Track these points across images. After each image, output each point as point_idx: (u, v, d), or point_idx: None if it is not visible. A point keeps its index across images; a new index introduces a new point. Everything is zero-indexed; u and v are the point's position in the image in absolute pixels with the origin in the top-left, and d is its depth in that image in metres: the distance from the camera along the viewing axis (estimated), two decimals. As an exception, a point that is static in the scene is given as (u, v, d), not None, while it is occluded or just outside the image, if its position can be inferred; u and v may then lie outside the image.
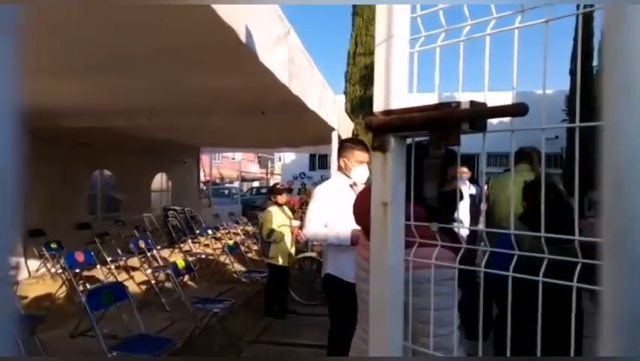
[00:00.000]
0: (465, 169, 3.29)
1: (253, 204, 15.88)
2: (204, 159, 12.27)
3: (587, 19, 8.64)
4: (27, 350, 2.45)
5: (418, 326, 0.84)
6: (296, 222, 4.27)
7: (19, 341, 2.06)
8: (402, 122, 0.75)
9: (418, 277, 0.81)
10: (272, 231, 3.88)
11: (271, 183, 28.16)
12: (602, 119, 0.42)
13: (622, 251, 0.39)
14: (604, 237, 0.41)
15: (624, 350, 0.38)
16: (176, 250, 6.70)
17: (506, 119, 0.68)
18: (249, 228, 9.07)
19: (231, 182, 22.16)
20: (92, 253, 4.28)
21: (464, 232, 2.53)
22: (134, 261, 5.28)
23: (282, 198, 4.15)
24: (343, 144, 2.27)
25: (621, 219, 0.40)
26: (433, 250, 0.75)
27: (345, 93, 10.29)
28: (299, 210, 10.58)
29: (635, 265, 0.38)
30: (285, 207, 4.20)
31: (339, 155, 2.26)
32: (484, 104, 0.68)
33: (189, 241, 6.94)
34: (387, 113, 0.77)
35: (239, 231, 8.24)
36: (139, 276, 5.08)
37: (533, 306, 0.63)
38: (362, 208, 0.90)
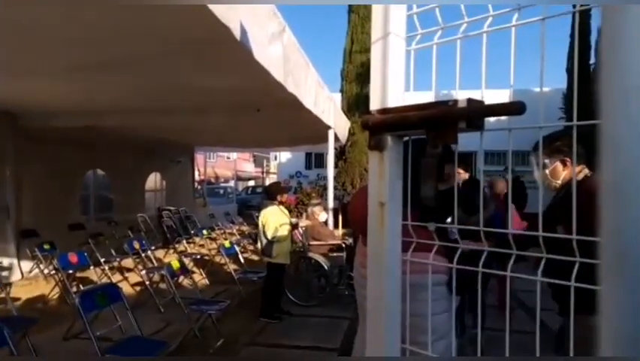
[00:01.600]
0: (461, 170, 3.15)
1: (249, 203, 15.82)
2: (199, 158, 12.21)
3: (584, 17, 8.70)
4: (19, 353, 2.41)
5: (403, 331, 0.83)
6: (293, 221, 4.24)
7: (11, 344, 2.02)
8: (398, 120, 0.74)
9: (408, 282, 0.80)
10: (276, 230, 3.84)
11: (267, 182, 27.88)
12: (600, 129, 0.41)
13: (622, 259, 0.39)
14: (602, 245, 0.40)
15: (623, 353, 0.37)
16: (171, 251, 6.65)
17: (504, 117, 0.67)
18: (245, 228, 9.04)
19: (226, 181, 22.08)
20: (86, 254, 4.23)
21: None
22: (128, 262, 5.24)
23: (283, 197, 4.12)
24: None
25: (620, 225, 0.39)
26: (425, 255, 0.74)
27: (342, 91, 10.26)
28: (295, 208, 10.58)
29: (635, 274, 0.38)
30: (282, 206, 4.18)
31: None
32: (481, 103, 0.67)
33: (184, 241, 6.89)
34: (383, 111, 0.76)
35: (234, 231, 8.20)
36: (133, 277, 5.03)
37: None
38: (359, 214, 0.88)
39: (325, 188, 7.59)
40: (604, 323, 0.39)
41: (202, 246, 6.93)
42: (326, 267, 4.27)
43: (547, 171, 1.64)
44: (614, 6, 0.39)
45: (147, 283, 4.39)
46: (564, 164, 1.58)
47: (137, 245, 5.00)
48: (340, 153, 8.79)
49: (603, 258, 0.40)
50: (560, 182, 1.61)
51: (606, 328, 0.39)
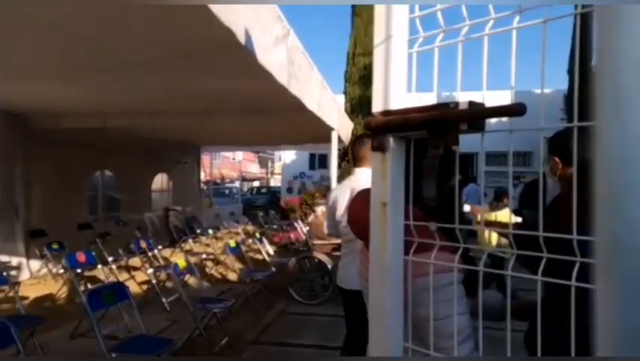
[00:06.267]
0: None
1: (254, 203, 15.89)
2: (205, 159, 12.28)
3: (586, 19, 8.61)
4: (27, 352, 2.45)
5: (422, 339, 0.80)
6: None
7: (19, 342, 2.06)
8: (401, 122, 0.75)
9: (415, 286, 0.79)
10: None
11: (272, 183, 27.73)
12: (595, 128, 0.42)
13: (616, 259, 0.39)
14: (597, 245, 0.41)
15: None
16: (177, 250, 6.71)
17: (505, 118, 0.68)
18: (250, 227, 9.08)
19: (232, 182, 22.19)
20: (94, 253, 4.28)
21: None
22: (135, 261, 5.29)
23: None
24: None
25: (616, 229, 0.39)
26: (440, 255, 0.73)
27: (345, 93, 10.27)
28: (299, 209, 10.59)
29: (630, 276, 0.38)
30: None
31: None
32: (482, 105, 0.68)
33: (190, 240, 6.94)
34: (386, 113, 0.77)
35: (239, 230, 8.24)
36: (140, 276, 5.08)
37: None
38: (362, 216, 0.87)
39: (329, 189, 7.60)
40: (599, 323, 0.40)
41: (208, 245, 6.97)
42: (329, 266, 4.28)
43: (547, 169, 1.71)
44: (607, 6, 0.40)
45: (154, 281, 4.44)
46: (556, 164, 1.66)
47: (144, 244, 5.05)
48: (343, 154, 8.79)
49: (598, 258, 0.41)
50: (556, 179, 1.66)
51: (601, 328, 0.40)
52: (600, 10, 0.41)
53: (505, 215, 3.93)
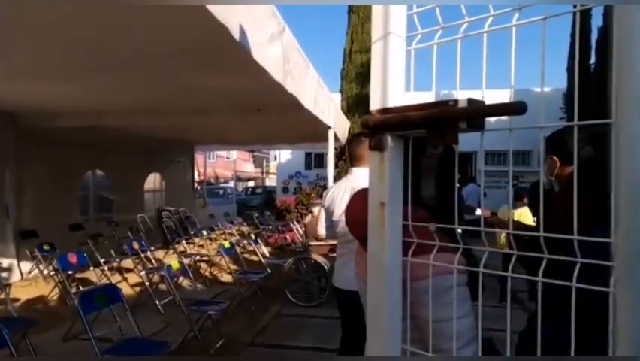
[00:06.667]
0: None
1: (248, 204, 15.83)
2: (199, 158, 12.21)
3: (585, 17, 8.70)
4: (18, 354, 2.40)
5: (428, 341, 0.79)
6: None
7: (11, 345, 2.02)
8: (399, 120, 0.73)
9: (417, 289, 0.78)
10: None
11: (267, 183, 27.86)
12: (614, 129, 0.40)
13: (637, 258, 0.38)
14: (617, 245, 0.39)
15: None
16: (171, 251, 6.65)
17: (503, 117, 0.67)
18: (244, 228, 9.04)
19: (226, 181, 22.09)
20: (85, 255, 4.22)
21: None
22: (127, 262, 5.23)
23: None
24: None
25: (636, 224, 0.38)
26: (437, 258, 0.72)
27: (341, 91, 10.26)
28: (294, 209, 10.57)
29: None
30: None
31: None
32: (482, 103, 0.67)
33: (184, 241, 6.89)
34: (384, 111, 0.76)
35: (234, 231, 8.20)
36: (133, 278, 5.03)
37: None
38: (359, 217, 0.85)
39: (325, 188, 7.58)
40: (618, 323, 0.39)
41: (202, 246, 6.92)
42: (326, 267, 4.27)
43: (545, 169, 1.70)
44: (627, 4, 0.39)
45: (147, 283, 4.39)
46: (554, 163, 1.66)
47: (136, 246, 4.99)
48: (340, 154, 8.77)
49: (618, 258, 0.40)
50: (553, 178, 1.65)
51: (620, 327, 0.39)
52: (618, 7, 0.40)
53: (524, 213, 3.98)
